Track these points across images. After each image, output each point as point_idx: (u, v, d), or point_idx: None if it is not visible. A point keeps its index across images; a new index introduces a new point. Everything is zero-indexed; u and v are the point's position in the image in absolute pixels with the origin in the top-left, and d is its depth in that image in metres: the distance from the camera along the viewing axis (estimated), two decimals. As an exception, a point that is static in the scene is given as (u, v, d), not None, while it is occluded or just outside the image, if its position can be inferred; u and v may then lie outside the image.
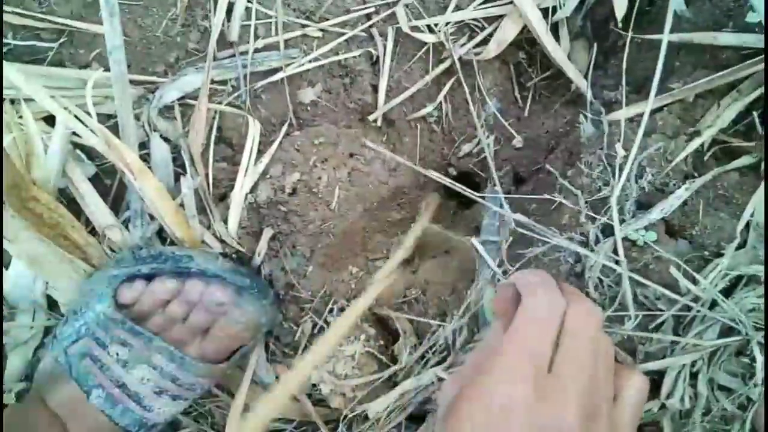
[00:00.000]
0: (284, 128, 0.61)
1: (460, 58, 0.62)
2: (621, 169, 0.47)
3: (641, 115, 0.48)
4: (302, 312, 0.62)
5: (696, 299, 0.43)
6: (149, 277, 0.58)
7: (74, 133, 0.55)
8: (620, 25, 0.55)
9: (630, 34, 0.52)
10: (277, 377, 0.66)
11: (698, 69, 0.50)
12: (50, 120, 0.57)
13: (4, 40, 0.56)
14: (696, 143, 0.47)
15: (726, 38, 0.48)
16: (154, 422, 0.59)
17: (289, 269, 0.60)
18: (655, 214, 0.45)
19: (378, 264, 0.61)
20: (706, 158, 0.48)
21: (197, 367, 0.58)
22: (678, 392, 0.43)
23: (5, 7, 0.56)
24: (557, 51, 0.60)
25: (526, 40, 0.64)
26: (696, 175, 0.47)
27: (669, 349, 0.44)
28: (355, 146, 0.63)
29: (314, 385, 0.59)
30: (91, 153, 0.61)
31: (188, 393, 0.60)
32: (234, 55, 0.60)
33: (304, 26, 0.61)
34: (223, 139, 0.62)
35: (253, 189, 0.59)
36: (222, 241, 0.59)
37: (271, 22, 0.61)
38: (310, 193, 0.59)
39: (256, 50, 0.61)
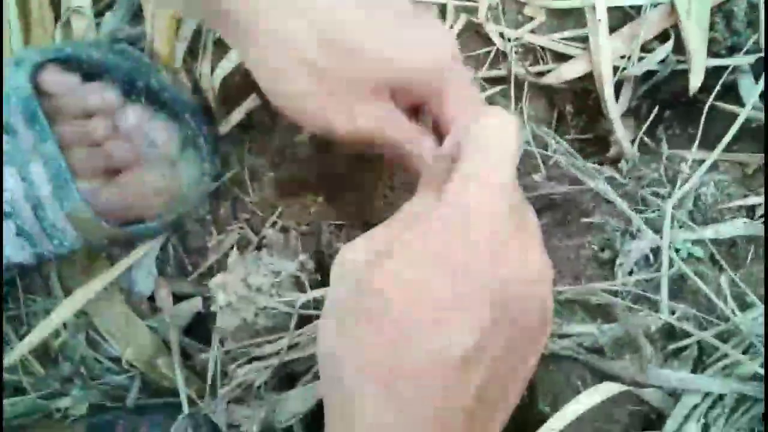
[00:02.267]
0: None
1: (515, 75, 0.59)
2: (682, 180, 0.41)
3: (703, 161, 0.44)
4: (234, 219, 0.49)
5: (733, 333, 0.34)
6: (90, 76, 0.46)
7: None
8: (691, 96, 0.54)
9: (710, 101, 0.50)
10: (152, 296, 0.51)
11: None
12: None
13: None
14: (755, 200, 0.42)
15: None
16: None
17: (247, 164, 0.49)
18: (708, 232, 0.38)
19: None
20: (758, 222, 0.43)
21: (78, 207, 0.43)
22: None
23: None
24: (613, 105, 0.57)
25: (580, 94, 0.62)
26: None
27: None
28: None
29: (206, 298, 0.45)
30: None
31: (40, 237, 0.44)
32: None
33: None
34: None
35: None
36: (196, 89, 0.48)
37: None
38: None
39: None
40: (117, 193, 0.45)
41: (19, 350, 0.50)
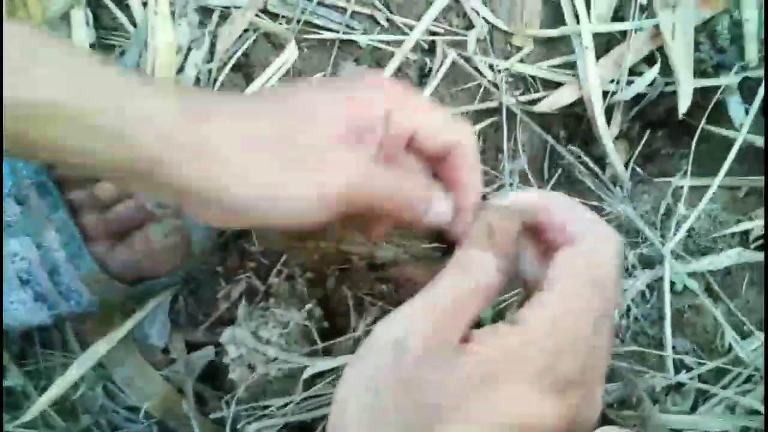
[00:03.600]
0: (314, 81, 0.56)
1: (507, 106, 0.61)
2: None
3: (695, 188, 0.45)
4: (241, 269, 0.51)
5: (736, 362, 0.35)
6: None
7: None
8: (681, 117, 0.55)
9: (702, 125, 0.51)
10: (166, 347, 0.52)
11: (755, 170, 0.48)
12: None
13: None
14: (747, 225, 0.43)
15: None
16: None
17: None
18: (704, 264, 0.39)
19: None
20: (752, 246, 0.44)
21: (91, 270, 0.45)
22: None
23: None
24: (605, 131, 0.58)
25: (573, 119, 0.63)
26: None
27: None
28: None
29: (217, 346, 0.46)
30: None
31: (57, 300, 0.46)
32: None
33: (375, 8, 0.60)
34: (244, 65, 0.56)
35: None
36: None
37: (347, -10, 0.59)
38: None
39: (320, 3, 0.58)
40: (128, 254, 0.46)
41: (39, 405, 0.52)
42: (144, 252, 0.47)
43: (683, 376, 0.35)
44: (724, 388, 0.35)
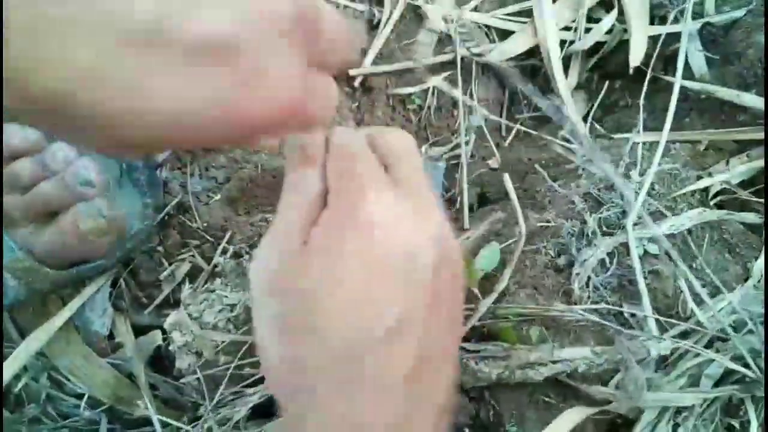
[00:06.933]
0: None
1: (462, 58, 0.57)
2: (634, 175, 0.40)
3: (655, 144, 0.44)
4: (184, 247, 0.47)
5: (694, 330, 0.34)
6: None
7: None
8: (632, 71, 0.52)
9: (652, 73, 0.49)
10: (111, 333, 0.49)
11: (715, 122, 0.47)
12: None
13: None
14: (707, 182, 0.42)
15: (749, 99, 0.46)
16: None
17: (190, 189, 0.47)
18: (664, 228, 0.38)
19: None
20: (711, 203, 0.43)
21: (15, 257, 0.41)
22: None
23: None
24: (562, 81, 0.56)
25: (530, 70, 0.60)
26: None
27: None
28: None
29: (164, 334, 0.44)
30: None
31: (-20, 295, 0.42)
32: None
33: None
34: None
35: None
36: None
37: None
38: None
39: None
40: (56, 237, 0.43)
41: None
42: (73, 233, 0.43)
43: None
44: (680, 357, 0.35)
